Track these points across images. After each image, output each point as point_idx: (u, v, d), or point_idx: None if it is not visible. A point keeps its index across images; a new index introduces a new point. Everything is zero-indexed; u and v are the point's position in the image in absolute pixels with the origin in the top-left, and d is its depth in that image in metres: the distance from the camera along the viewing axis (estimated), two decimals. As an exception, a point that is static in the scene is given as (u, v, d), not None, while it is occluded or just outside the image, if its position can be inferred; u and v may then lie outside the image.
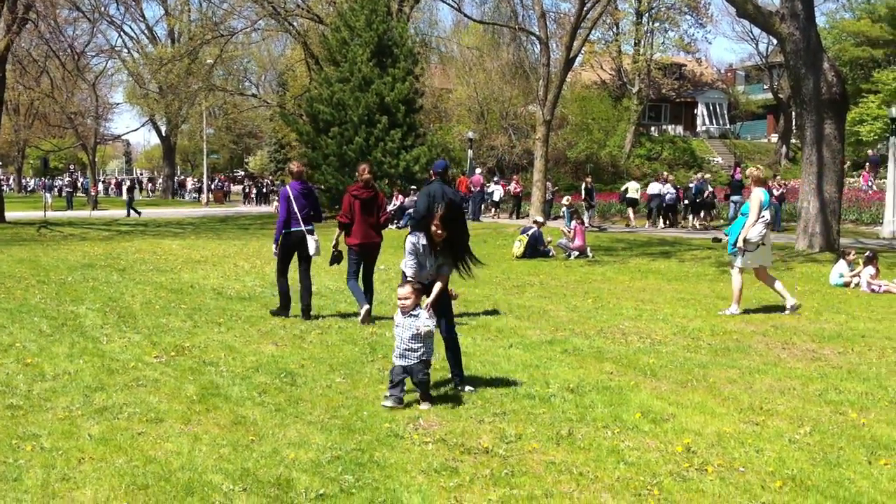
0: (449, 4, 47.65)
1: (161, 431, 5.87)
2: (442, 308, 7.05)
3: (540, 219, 20.78)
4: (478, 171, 36.91)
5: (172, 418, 6.19)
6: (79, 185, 65.63)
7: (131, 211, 37.64)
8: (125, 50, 55.26)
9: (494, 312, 11.13)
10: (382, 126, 32.54)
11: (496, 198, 36.02)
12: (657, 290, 13.15)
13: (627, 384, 7.16)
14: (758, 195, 10.85)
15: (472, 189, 34.70)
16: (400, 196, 29.88)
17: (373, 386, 7.13)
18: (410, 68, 34.24)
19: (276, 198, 15.40)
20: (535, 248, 18.81)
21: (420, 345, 6.48)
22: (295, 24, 38.81)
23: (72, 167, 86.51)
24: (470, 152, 40.73)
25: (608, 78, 54.88)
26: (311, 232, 10.64)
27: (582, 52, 37.02)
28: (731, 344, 8.99)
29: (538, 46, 33.38)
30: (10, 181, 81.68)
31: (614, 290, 13.36)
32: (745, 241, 10.83)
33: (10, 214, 32.87)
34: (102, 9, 45.59)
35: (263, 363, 8.04)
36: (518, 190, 35.13)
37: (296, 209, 10.50)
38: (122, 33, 54.89)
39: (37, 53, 44.42)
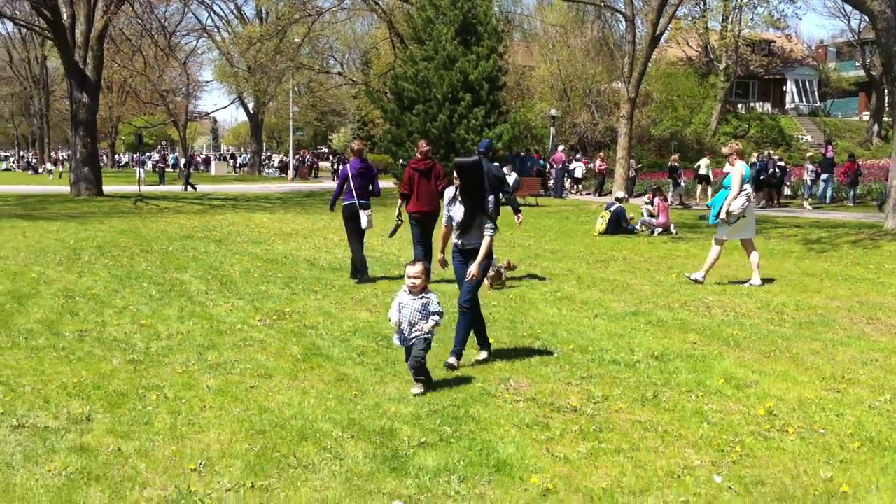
0: (533, -19, 47.46)
1: (272, 385, 6.35)
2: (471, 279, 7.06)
3: (622, 195, 20.84)
4: (560, 148, 36.96)
5: (281, 374, 6.67)
6: (168, 160, 67.56)
7: (188, 186, 38.54)
8: (215, 29, 56.67)
9: (578, 285, 11.40)
10: (466, 103, 32.80)
11: (578, 175, 36.06)
12: (742, 266, 13.18)
13: (711, 353, 7.39)
14: (739, 169, 11.22)
15: (554, 166, 34.82)
16: (483, 173, 30.14)
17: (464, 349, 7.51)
18: (494, 46, 34.37)
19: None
20: (618, 225, 18.92)
21: (426, 327, 6.25)
22: (381, 3, 39.26)
23: (164, 143, 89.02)
24: (552, 129, 40.76)
25: (694, 55, 53.99)
26: (365, 206, 11.62)
27: (668, 28, 36.61)
28: (815, 318, 9.09)
29: (623, 23, 33.15)
30: (104, 156, 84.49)
31: (698, 266, 13.43)
32: (727, 213, 11.22)
33: (106, 188, 34.15)
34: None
35: (360, 328, 8.49)
36: (602, 167, 35.10)
37: (353, 185, 11.50)
38: (211, 13, 56.23)
39: (130, 32, 45.87)
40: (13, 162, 79.91)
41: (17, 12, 48.28)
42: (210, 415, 5.61)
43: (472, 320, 7.14)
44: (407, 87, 34.05)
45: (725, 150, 11.93)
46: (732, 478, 4.59)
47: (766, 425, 5.44)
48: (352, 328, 8.48)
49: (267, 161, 70.99)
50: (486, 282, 11.35)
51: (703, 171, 30.26)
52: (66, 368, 6.71)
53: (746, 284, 11.42)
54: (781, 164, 29.50)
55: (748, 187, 11.34)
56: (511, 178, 28.90)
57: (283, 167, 62.01)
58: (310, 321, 8.83)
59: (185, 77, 58.99)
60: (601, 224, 19.00)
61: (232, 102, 68.21)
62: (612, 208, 19.14)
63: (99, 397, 5.92)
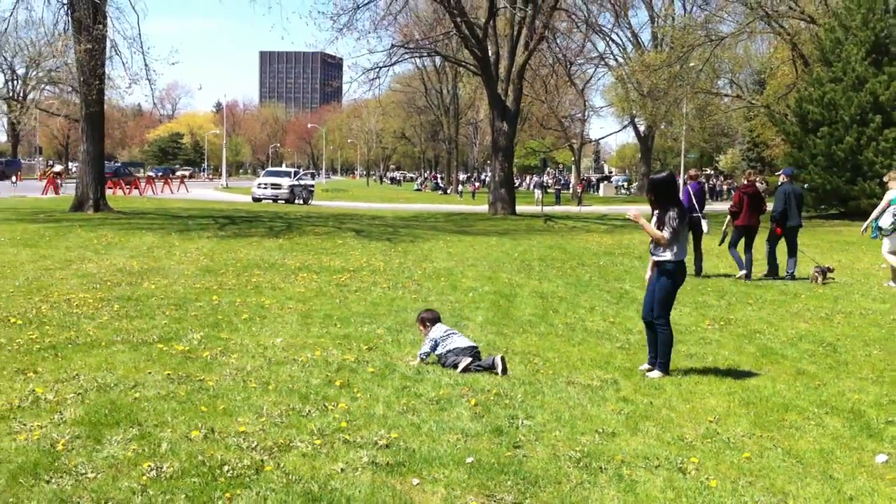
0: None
1: (740, 372, 7.79)
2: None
3: None
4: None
5: (746, 365, 8.11)
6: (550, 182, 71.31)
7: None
8: (610, 56, 59.34)
9: None
10: (875, 125, 31.87)
11: None
12: None
13: None
14: (890, 194, 13.87)
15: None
16: (893, 197, 29.12)
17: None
18: (910, 65, 33.00)
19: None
20: None
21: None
22: (785, 25, 39.13)
23: (559, 166, 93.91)
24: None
25: None
26: (704, 217, 14.93)
27: None
28: None
29: None
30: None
31: None
32: (878, 228, 13.98)
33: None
34: (593, 19, 49.54)
35: (802, 335, 9.66)
36: None
37: (694, 202, 14.76)
38: (609, 41, 58.75)
39: (534, 63, 49.77)
40: (420, 183, 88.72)
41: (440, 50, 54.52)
42: (704, 388, 7.17)
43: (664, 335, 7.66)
44: (811, 109, 33.81)
45: (886, 177, 14.78)
46: None
47: None
48: (795, 335, 9.66)
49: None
50: (817, 279, 14.01)
51: None
52: (573, 349, 8.66)
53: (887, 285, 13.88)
54: None
55: None
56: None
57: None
58: (753, 328, 10.13)
59: (581, 103, 62.29)
60: None
61: (624, 127, 70.54)
62: None
63: (612, 369, 7.75)
